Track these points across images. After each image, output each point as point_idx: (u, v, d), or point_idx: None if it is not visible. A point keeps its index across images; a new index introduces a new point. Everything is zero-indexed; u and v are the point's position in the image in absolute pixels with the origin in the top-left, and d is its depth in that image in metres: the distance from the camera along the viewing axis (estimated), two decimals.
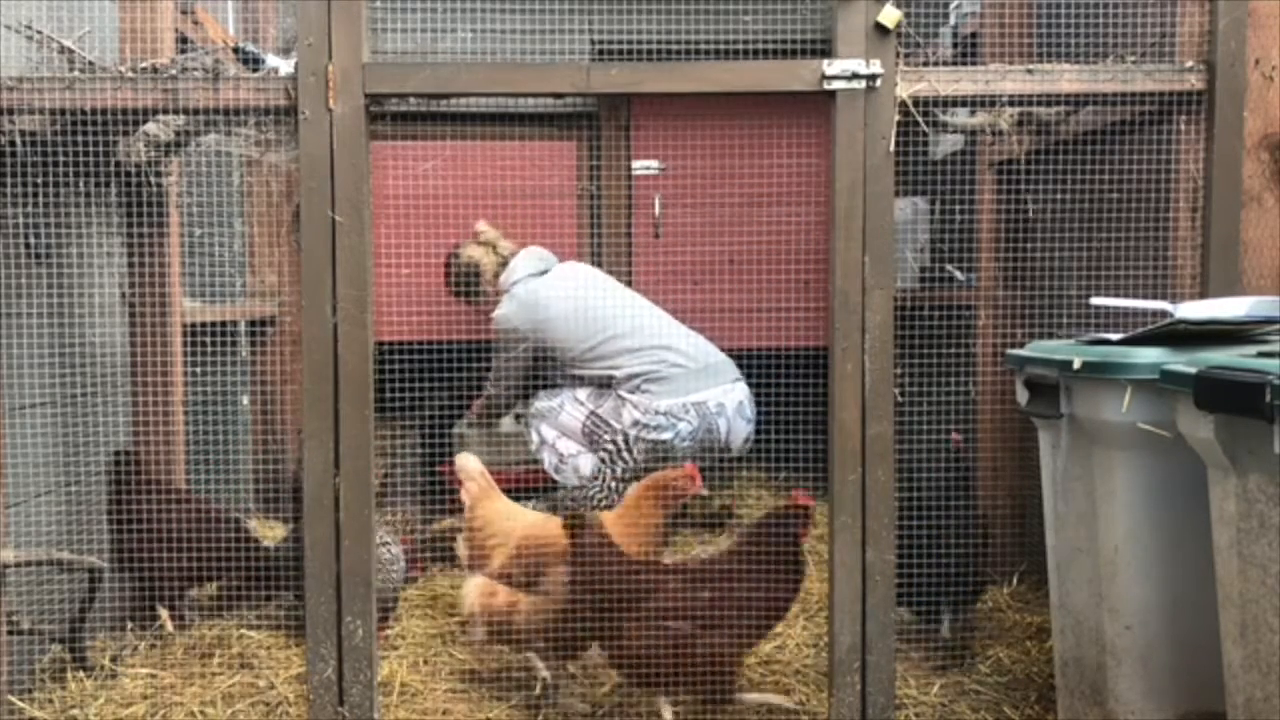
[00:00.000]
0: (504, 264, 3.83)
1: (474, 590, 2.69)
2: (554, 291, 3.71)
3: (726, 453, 3.76)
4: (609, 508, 3.37)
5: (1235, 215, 2.42)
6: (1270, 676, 1.67)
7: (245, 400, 3.93)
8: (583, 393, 3.75)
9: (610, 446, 3.68)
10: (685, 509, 3.90)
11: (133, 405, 2.96)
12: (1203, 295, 2.42)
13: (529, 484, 3.94)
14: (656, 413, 3.63)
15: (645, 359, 3.66)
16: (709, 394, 3.69)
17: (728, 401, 3.70)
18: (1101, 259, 2.79)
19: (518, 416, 4.04)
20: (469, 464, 2.88)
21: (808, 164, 3.58)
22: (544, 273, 3.82)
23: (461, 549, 2.87)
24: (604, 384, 3.74)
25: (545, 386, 3.86)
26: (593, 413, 3.70)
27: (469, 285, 3.88)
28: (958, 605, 2.81)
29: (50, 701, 2.57)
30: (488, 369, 4.13)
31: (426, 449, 4.18)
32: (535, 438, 3.80)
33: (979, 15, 3.49)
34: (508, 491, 2.96)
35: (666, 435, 3.62)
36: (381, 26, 2.97)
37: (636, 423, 3.64)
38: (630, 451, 3.67)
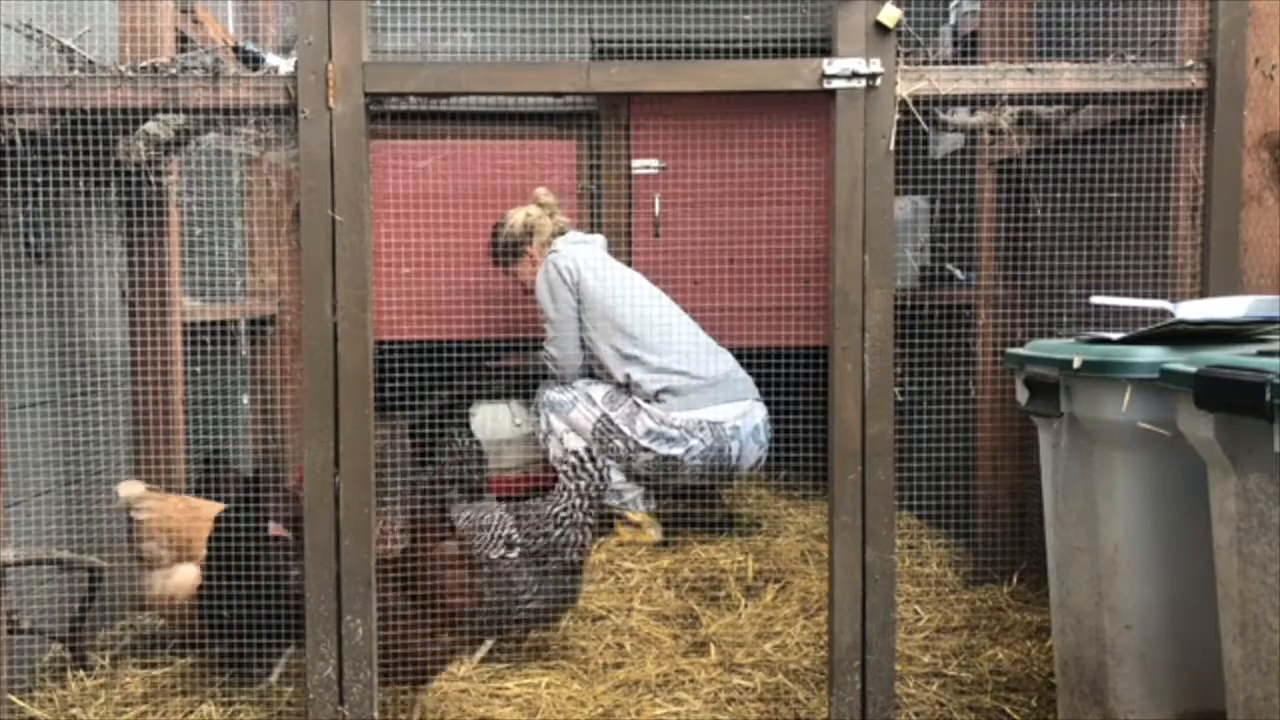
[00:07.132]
0: (560, 233, 3.89)
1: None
2: (597, 265, 3.74)
3: (734, 472, 3.77)
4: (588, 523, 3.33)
5: (1235, 214, 2.42)
6: (1270, 676, 1.67)
7: (245, 400, 3.93)
8: (598, 392, 3.75)
9: (618, 452, 3.68)
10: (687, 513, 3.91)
11: (133, 405, 2.96)
12: (1203, 294, 2.42)
13: (526, 489, 3.93)
14: (672, 425, 3.63)
15: (665, 368, 3.68)
16: (726, 412, 3.69)
17: (744, 424, 3.71)
18: (1101, 258, 2.79)
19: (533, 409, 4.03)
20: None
21: (808, 164, 3.58)
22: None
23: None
24: (620, 385, 3.74)
25: (557, 383, 3.86)
26: (605, 415, 3.69)
27: (518, 249, 3.91)
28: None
29: (50, 701, 2.57)
30: (487, 368, 4.12)
31: (423, 447, 4.17)
32: (544, 425, 3.81)
33: (979, 14, 3.49)
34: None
35: (677, 450, 3.63)
36: (381, 26, 2.98)
37: (650, 432, 3.64)
38: (634, 461, 3.67)
